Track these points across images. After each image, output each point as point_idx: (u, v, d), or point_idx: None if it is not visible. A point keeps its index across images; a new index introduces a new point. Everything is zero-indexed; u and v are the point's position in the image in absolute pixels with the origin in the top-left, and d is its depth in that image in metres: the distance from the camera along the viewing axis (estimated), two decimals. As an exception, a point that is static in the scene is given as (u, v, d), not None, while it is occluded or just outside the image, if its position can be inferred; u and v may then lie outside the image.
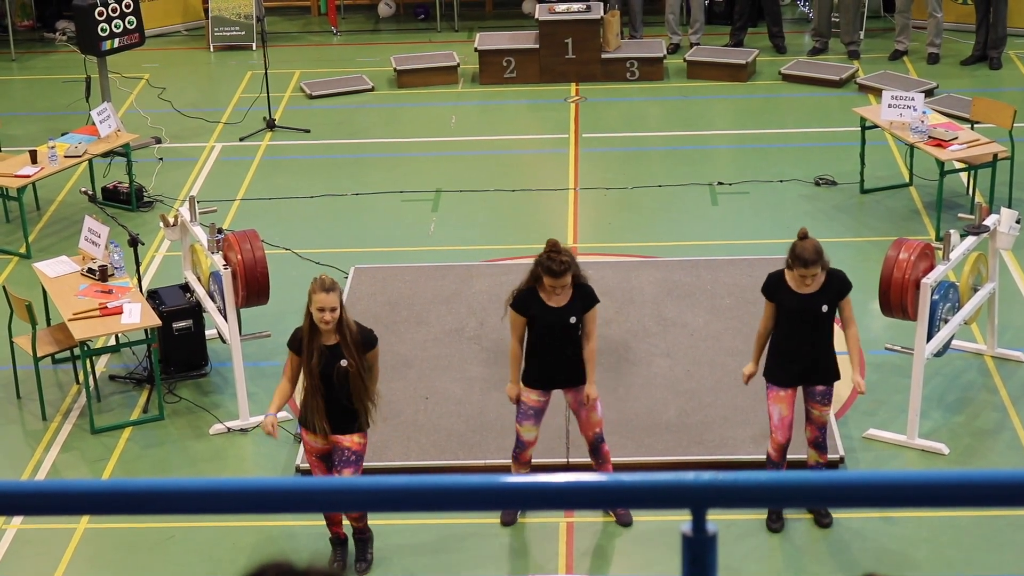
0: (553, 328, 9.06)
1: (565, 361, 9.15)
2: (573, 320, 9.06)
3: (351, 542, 9.31)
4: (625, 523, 9.55)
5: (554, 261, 8.93)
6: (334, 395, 8.68)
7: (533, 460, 9.55)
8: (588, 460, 9.59)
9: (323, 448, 8.89)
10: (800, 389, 9.21)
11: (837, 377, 9.21)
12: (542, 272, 8.98)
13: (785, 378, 9.12)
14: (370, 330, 8.85)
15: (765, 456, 9.39)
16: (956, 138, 12.98)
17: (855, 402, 10.69)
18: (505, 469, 9.62)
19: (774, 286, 9.16)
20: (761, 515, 9.48)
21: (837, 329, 9.31)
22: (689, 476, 2.54)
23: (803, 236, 9.05)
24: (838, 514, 9.52)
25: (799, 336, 9.09)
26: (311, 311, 8.64)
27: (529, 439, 9.41)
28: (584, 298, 9.11)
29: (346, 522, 9.31)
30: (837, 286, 9.08)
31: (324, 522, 9.28)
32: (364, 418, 8.80)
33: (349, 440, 8.80)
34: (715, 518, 2.52)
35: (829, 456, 9.55)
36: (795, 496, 2.57)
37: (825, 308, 9.03)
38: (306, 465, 9.72)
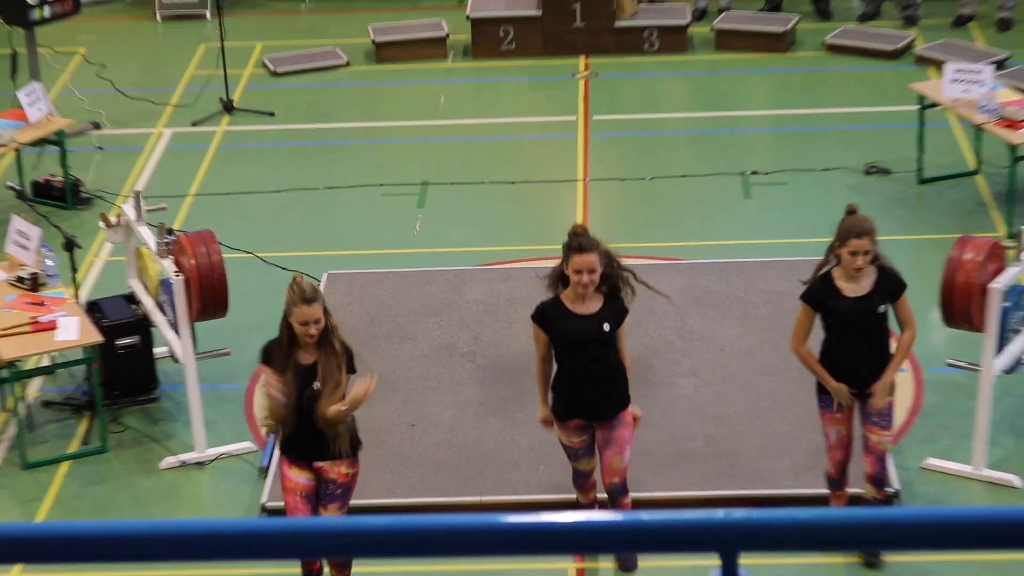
0: (580, 338, 9.07)
1: (596, 384, 9.13)
2: (607, 328, 9.07)
3: None
4: (628, 568, 9.56)
5: (581, 236, 9.07)
6: (304, 420, 8.69)
7: (545, 496, 9.56)
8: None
9: (308, 485, 8.89)
10: (857, 412, 9.30)
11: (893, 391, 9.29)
12: (568, 252, 9.04)
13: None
14: (351, 349, 8.85)
15: (824, 476, 9.51)
16: (1029, 118, 13.01)
17: (912, 427, 10.71)
18: (505, 507, 9.62)
19: (820, 291, 9.17)
20: (801, 559, 9.49)
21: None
22: (718, 515, 2.56)
23: (852, 211, 9.16)
24: (890, 556, 9.53)
25: (851, 343, 9.14)
26: (291, 323, 8.66)
27: (586, 470, 9.49)
28: (616, 310, 9.14)
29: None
30: (891, 285, 9.14)
31: (300, 570, 9.29)
32: (345, 443, 8.80)
33: (335, 471, 8.82)
34: (749, 563, 2.54)
35: (886, 491, 9.60)
36: (839, 538, 2.58)
37: (881, 309, 9.11)
38: (274, 504, 9.73)
